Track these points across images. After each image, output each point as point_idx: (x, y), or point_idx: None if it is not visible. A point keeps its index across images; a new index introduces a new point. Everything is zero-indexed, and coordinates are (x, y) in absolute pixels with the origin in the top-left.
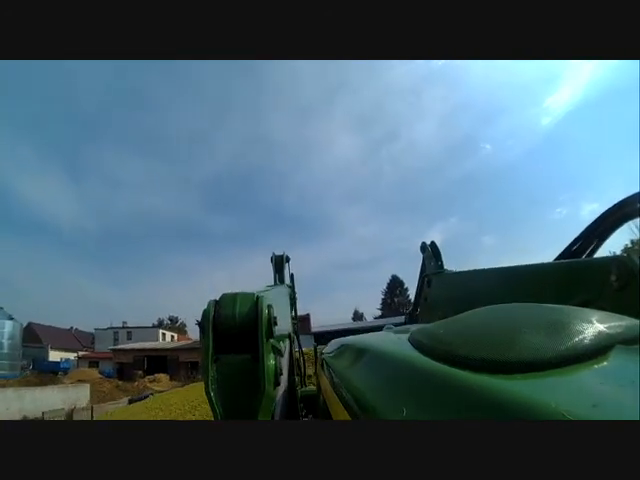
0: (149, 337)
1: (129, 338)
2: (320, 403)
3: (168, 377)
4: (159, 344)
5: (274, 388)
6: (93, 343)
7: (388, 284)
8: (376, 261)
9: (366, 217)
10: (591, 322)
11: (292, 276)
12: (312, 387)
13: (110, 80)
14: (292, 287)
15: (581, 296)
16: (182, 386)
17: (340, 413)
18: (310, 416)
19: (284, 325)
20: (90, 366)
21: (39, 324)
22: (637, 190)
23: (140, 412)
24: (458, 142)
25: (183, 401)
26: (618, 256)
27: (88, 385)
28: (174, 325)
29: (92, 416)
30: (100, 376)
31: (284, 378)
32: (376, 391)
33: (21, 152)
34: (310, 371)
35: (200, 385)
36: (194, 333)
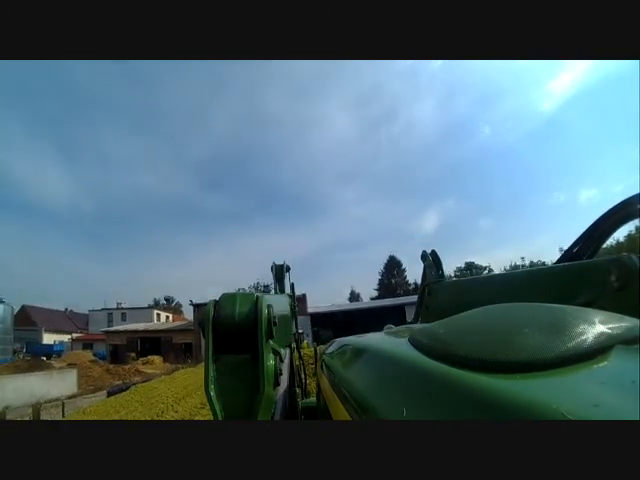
0: (144, 318)
1: (123, 319)
2: (320, 403)
3: (161, 359)
4: (153, 325)
5: (273, 388)
6: (88, 325)
7: (385, 264)
8: (372, 241)
9: (362, 197)
10: (591, 322)
11: (292, 286)
12: (313, 399)
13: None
14: (292, 296)
15: (582, 298)
16: (171, 372)
17: (340, 413)
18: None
19: (285, 335)
20: (84, 348)
21: (33, 306)
22: (636, 178)
23: (116, 408)
24: (457, 124)
25: (167, 392)
26: (618, 256)
27: (75, 371)
28: (170, 305)
29: (63, 414)
30: (93, 359)
31: (284, 378)
32: (376, 391)
33: (11, 130)
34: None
35: (189, 372)
36: (190, 313)
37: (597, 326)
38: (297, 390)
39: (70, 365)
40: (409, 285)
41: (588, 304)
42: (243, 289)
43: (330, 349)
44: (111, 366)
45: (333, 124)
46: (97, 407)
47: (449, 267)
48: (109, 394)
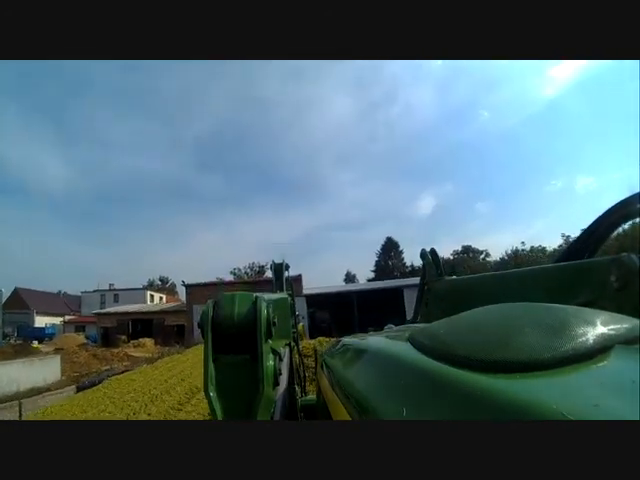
0: (137, 299)
1: (116, 300)
2: (320, 403)
3: (153, 341)
4: (144, 307)
5: (273, 388)
6: (80, 307)
7: (383, 246)
8: (369, 224)
9: (359, 179)
10: (591, 322)
11: (291, 284)
12: (312, 396)
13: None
14: (291, 295)
15: (582, 298)
16: (156, 359)
17: (340, 413)
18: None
19: (284, 335)
20: (77, 331)
21: (26, 289)
22: (633, 169)
23: (83, 408)
24: (456, 108)
25: (144, 387)
26: (618, 256)
27: (58, 357)
28: (164, 286)
29: (20, 414)
30: (85, 342)
31: (283, 378)
32: (376, 391)
33: (8, 114)
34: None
35: (173, 360)
36: (184, 294)
37: (597, 326)
38: (296, 388)
39: (57, 350)
40: (406, 267)
41: (588, 304)
42: (238, 269)
43: (330, 349)
44: (99, 350)
45: (331, 105)
46: (61, 407)
47: (446, 251)
48: (79, 389)
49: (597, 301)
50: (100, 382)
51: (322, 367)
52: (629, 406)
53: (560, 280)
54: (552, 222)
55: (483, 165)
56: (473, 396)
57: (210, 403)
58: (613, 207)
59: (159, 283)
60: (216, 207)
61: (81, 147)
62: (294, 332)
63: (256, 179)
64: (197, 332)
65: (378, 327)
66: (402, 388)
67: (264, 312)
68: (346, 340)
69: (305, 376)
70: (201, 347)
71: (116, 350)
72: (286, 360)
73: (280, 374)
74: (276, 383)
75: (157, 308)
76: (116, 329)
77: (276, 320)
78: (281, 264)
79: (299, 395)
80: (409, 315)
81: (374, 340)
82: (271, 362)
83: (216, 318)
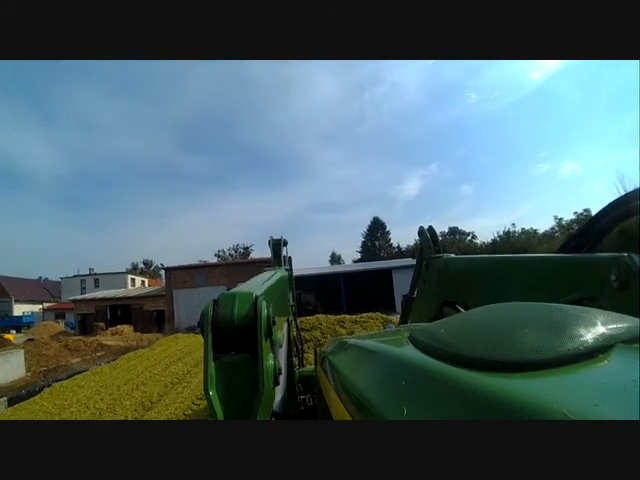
0: (118, 284)
1: (97, 286)
2: (320, 403)
3: (132, 328)
4: (122, 292)
5: (273, 388)
6: (60, 293)
7: (369, 226)
8: (355, 204)
9: (345, 160)
10: (592, 321)
11: (290, 259)
12: (310, 367)
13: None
14: (290, 270)
15: (579, 292)
16: (127, 350)
17: (341, 412)
18: (308, 395)
19: (282, 304)
20: (57, 318)
21: (5, 276)
22: (617, 155)
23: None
24: (443, 89)
25: (90, 398)
26: (618, 255)
27: (22, 351)
28: (148, 269)
29: None
30: (64, 329)
31: (282, 350)
32: (377, 390)
33: None
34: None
35: (138, 355)
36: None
37: (597, 326)
38: (294, 360)
39: (28, 340)
40: (393, 248)
41: (587, 299)
42: (222, 251)
43: (330, 348)
44: (71, 340)
45: (316, 84)
46: None
47: None
48: (11, 401)
49: (596, 297)
50: (41, 390)
51: (322, 366)
52: (629, 406)
53: (561, 272)
54: (537, 205)
55: (469, 147)
56: (474, 395)
57: (210, 403)
58: (613, 202)
59: (143, 266)
60: (201, 188)
61: (64, 128)
62: (292, 306)
63: (241, 159)
64: (178, 317)
65: (368, 310)
66: (403, 387)
67: (264, 312)
68: (347, 339)
69: (302, 349)
70: (175, 338)
71: (90, 339)
72: (285, 334)
73: (280, 374)
74: (276, 383)
75: (135, 293)
76: (94, 316)
77: (276, 319)
78: (279, 240)
79: (297, 367)
80: (398, 297)
81: (375, 339)
82: (271, 361)
83: (216, 317)
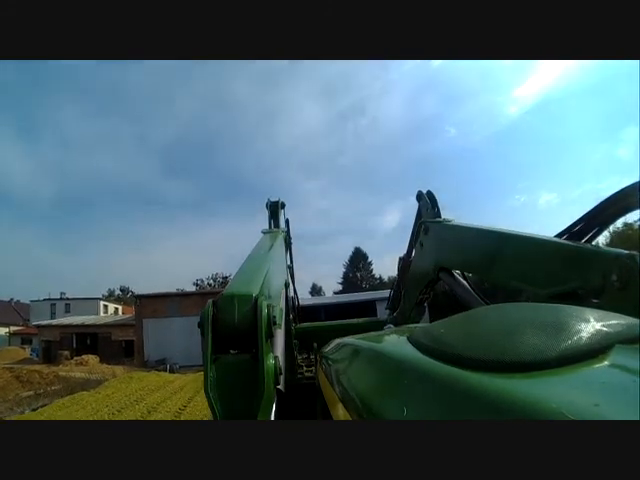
0: (90, 310)
1: (67, 311)
2: (320, 403)
3: (98, 359)
4: (92, 318)
5: (273, 388)
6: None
7: (351, 257)
8: (334, 235)
9: (325, 190)
10: (591, 322)
11: (287, 221)
12: (306, 323)
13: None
14: (287, 232)
15: (574, 283)
16: (89, 384)
17: (340, 413)
18: (303, 351)
19: (281, 275)
20: (23, 343)
21: None
22: (591, 186)
23: None
24: (423, 122)
25: None
26: (620, 254)
27: None
28: (125, 295)
29: None
30: (30, 356)
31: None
32: (377, 390)
33: None
34: None
35: (75, 403)
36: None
37: (597, 326)
38: (291, 316)
39: None
40: (375, 279)
41: (579, 288)
42: (201, 280)
43: (330, 349)
44: (24, 371)
45: (300, 113)
46: None
47: None
48: None
49: (592, 290)
50: None
51: (322, 366)
52: (629, 406)
53: (561, 258)
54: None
55: (448, 180)
56: (474, 395)
57: (210, 403)
58: (614, 195)
59: (120, 293)
60: (181, 214)
61: (42, 143)
62: (290, 267)
63: (222, 186)
64: (148, 348)
65: None
66: (403, 387)
67: (265, 312)
68: (346, 340)
69: (299, 305)
70: (129, 377)
71: (48, 370)
72: (283, 296)
73: (281, 374)
74: (276, 382)
75: (103, 321)
76: (59, 343)
77: (277, 319)
78: (276, 202)
79: (294, 324)
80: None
81: (374, 340)
82: (272, 361)
83: (216, 318)
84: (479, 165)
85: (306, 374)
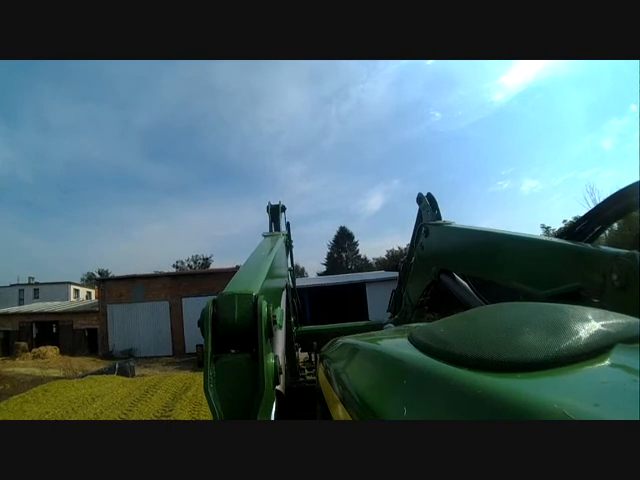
0: (60, 295)
1: (36, 296)
2: (320, 403)
3: (57, 350)
4: (49, 306)
5: (273, 387)
6: None
7: (335, 237)
8: (317, 218)
9: (308, 173)
10: (592, 321)
11: (288, 224)
12: (307, 326)
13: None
14: (288, 235)
15: (574, 282)
16: (40, 382)
17: (340, 413)
18: (305, 352)
19: (282, 278)
20: None
21: None
22: (574, 173)
23: None
24: (407, 107)
25: None
26: (619, 255)
27: None
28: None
29: None
30: None
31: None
32: (377, 390)
33: None
34: None
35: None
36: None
37: (597, 325)
38: (292, 319)
39: None
40: (361, 260)
41: (581, 290)
42: (181, 262)
43: (330, 349)
44: None
45: (284, 98)
46: None
47: (393, 245)
48: None
49: (592, 290)
50: None
51: (322, 367)
52: (629, 406)
53: (561, 258)
54: (497, 222)
55: (432, 164)
56: (474, 395)
57: (210, 403)
58: (616, 194)
59: (98, 276)
60: (162, 198)
61: (22, 127)
62: (290, 270)
63: (204, 169)
64: (112, 338)
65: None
66: (403, 387)
67: (265, 312)
68: (346, 339)
69: (299, 308)
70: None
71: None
72: (284, 299)
73: (281, 373)
74: (277, 382)
75: (62, 308)
76: (18, 334)
77: (277, 318)
78: (277, 205)
79: (295, 327)
80: (373, 314)
81: (374, 339)
82: (272, 361)
83: (216, 317)
84: (462, 149)
85: (308, 377)
